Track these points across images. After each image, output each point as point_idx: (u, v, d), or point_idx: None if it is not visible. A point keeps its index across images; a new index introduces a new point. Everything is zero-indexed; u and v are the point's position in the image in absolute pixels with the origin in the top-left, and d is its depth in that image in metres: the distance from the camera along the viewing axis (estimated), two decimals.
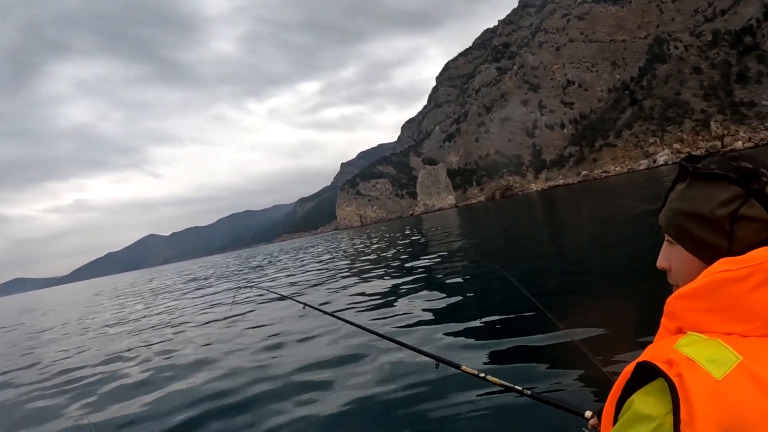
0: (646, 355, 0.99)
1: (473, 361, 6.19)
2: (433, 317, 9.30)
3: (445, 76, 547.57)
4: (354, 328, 4.22)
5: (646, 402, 0.92)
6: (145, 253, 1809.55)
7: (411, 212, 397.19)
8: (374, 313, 10.59)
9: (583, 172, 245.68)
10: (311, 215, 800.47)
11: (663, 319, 1.14)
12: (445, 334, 7.83)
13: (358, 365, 6.68)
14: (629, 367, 1.01)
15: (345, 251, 40.22)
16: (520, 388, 2.66)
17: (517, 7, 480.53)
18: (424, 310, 10.01)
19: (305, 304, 4.98)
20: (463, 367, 2.95)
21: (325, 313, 4.75)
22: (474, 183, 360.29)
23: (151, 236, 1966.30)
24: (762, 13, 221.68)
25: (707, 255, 1.13)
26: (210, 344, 10.56)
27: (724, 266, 1.00)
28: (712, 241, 1.12)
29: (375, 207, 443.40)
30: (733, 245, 1.08)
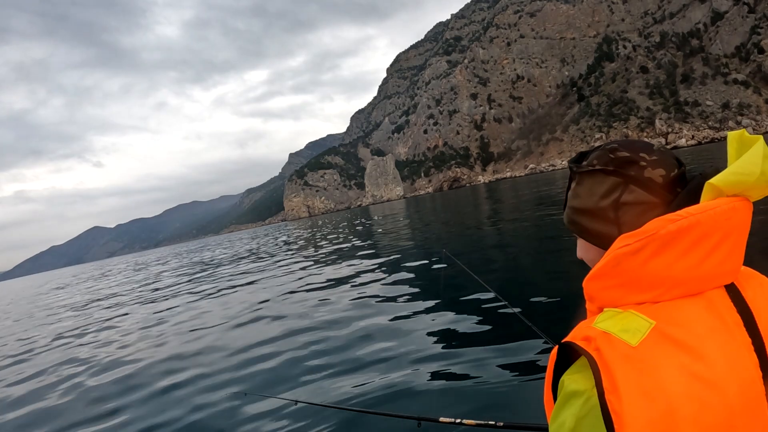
0: (568, 337, 1.03)
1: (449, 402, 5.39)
2: (387, 324, 8.52)
3: (395, 67, 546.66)
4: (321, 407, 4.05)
5: (574, 379, 0.96)
6: (90, 246, 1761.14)
7: (359, 203, 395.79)
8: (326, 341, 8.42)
9: (530, 165, 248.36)
10: (259, 206, 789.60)
11: (586, 304, 1.19)
12: (400, 349, 7.08)
13: None
14: (553, 351, 1.05)
15: (287, 246, 38.43)
16: (493, 422, 2.80)
17: (470, 2, 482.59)
18: (376, 323, 8.77)
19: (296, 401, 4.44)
20: (441, 419, 3.04)
21: (311, 404, 4.64)
22: (422, 174, 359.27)
23: (96, 228, 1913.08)
24: (709, 18, 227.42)
25: (604, 243, 1.19)
26: None
27: (622, 242, 1.05)
28: (604, 231, 1.18)
29: (323, 198, 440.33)
30: (623, 230, 1.13)
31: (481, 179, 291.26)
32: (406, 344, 7.28)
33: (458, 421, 2.97)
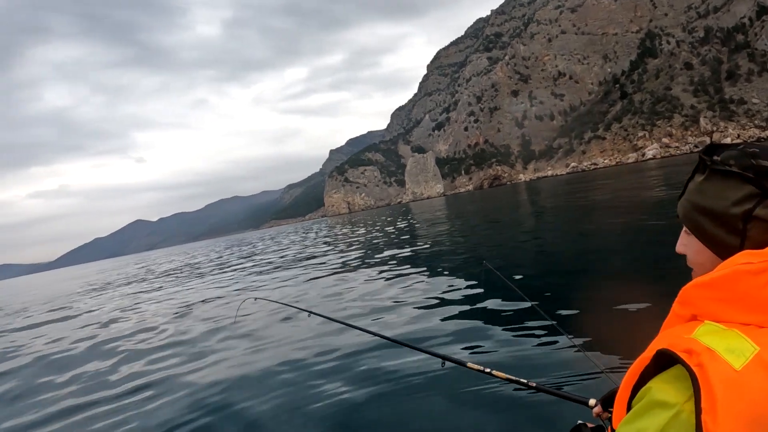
0: (663, 343, 0.99)
1: (475, 356, 6.23)
2: (426, 311, 9.17)
3: (435, 64, 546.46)
4: (358, 331, 4.29)
5: (664, 389, 0.92)
6: (131, 239, 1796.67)
7: (399, 200, 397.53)
8: (371, 309, 10.13)
9: (572, 164, 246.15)
10: (299, 202, 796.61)
11: (675, 306, 1.14)
12: (440, 329, 7.72)
13: (363, 367, 6.45)
14: (647, 354, 1.01)
15: (332, 239, 40.41)
16: (524, 381, 2.69)
17: None
18: (417, 306, 9.73)
19: (309, 312, 5.17)
20: (469, 364, 3.00)
21: (330, 319, 4.95)
22: (462, 172, 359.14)
23: (139, 222, 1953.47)
24: (755, 12, 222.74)
25: (721, 250, 1.13)
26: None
27: (745, 259, 0.99)
28: (725, 238, 1.12)
29: (363, 194, 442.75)
30: (745, 244, 1.08)
31: (522, 177, 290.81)
32: (439, 328, 7.88)
33: (487, 370, 2.90)
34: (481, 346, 6.55)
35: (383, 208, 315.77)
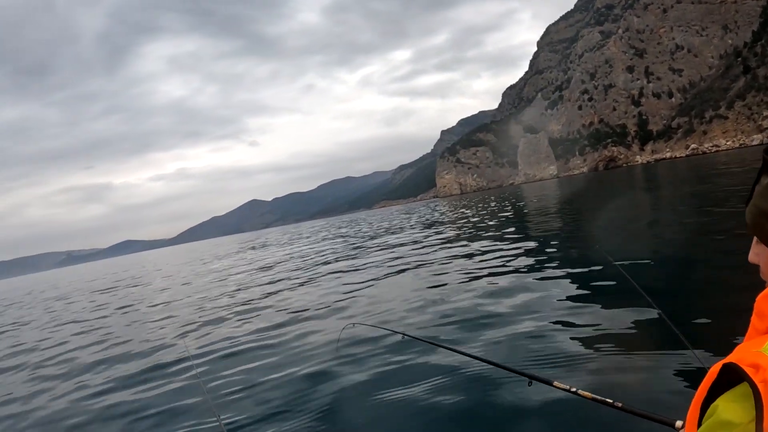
0: (733, 356, 0.93)
1: (565, 370, 6.08)
2: (521, 308, 9.14)
3: (546, 40, 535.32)
4: (440, 348, 4.52)
5: (730, 408, 0.87)
6: (247, 218, 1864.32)
7: (511, 182, 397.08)
8: (465, 315, 9.48)
9: (692, 146, 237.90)
10: (410, 182, 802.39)
11: (753, 318, 1.08)
12: (530, 335, 7.54)
13: (446, 384, 6.19)
14: (714, 368, 0.96)
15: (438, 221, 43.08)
16: (611, 401, 2.67)
17: None
18: (511, 304, 9.66)
19: (404, 334, 5.40)
20: (555, 383, 3.00)
21: (423, 340, 5.38)
22: (577, 153, 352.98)
23: (254, 201, 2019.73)
24: None
25: None
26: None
27: None
28: None
29: (475, 175, 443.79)
30: None
31: (639, 159, 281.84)
32: (539, 319, 8.09)
33: (573, 389, 2.87)
34: (576, 359, 6.29)
35: (495, 189, 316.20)
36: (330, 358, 8.04)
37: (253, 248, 50.22)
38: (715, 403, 0.91)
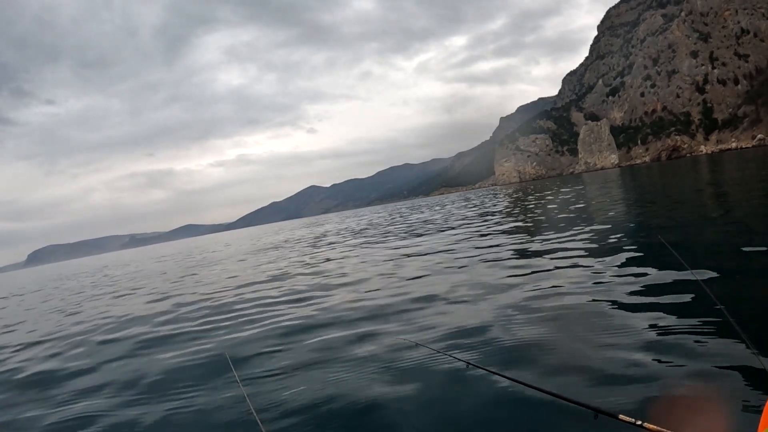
0: None
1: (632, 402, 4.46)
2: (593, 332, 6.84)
3: (606, 24, 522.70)
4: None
5: None
6: (306, 203, 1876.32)
7: (571, 170, 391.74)
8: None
9: (759, 136, 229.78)
10: (469, 170, 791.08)
11: None
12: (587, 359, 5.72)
13: (506, 417, 4.84)
14: None
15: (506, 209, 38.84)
16: None
17: None
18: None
19: (467, 363, 5.07)
20: (621, 416, 2.92)
21: (487, 370, 4.91)
22: (639, 142, 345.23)
23: (312, 187, 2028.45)
24: None
25: None
26: None
27: None
28: None
29: (534, 163, 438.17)
30: None
31: (703, 149, 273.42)
32: (597, 331, 6.49)
33: (638, 423, 2.80)
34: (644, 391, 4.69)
35: (554, 178, 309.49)
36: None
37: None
38: None
